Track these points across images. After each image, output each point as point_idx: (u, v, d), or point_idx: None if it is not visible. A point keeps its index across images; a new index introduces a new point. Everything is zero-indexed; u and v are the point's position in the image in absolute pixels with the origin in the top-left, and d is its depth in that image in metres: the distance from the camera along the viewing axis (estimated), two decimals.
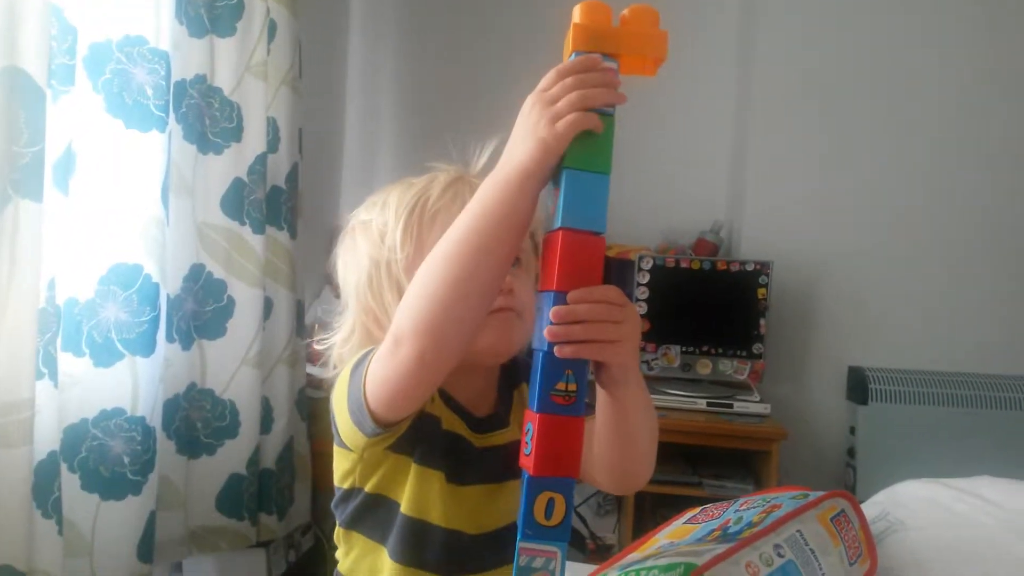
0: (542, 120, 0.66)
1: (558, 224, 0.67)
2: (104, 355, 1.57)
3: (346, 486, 0.88)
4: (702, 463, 2.56)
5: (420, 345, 0.71)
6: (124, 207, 1.59)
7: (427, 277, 0.70)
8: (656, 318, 2.62)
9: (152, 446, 1.67)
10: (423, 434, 0.84)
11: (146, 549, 1.66)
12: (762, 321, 2.58)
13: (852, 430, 2.68)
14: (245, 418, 1.97)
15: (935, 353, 2.70)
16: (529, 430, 0.66)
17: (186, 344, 1.88)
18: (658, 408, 2.50)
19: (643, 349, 2.63)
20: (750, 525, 0.98)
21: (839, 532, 0.98)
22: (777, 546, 0.93)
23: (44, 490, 1.31)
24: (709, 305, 2.64)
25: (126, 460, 1.61)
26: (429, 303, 0.70)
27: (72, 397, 1.52)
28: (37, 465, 1.29)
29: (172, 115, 1.74)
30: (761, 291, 2.58)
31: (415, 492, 0.85)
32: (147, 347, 1.63)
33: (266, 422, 2.06)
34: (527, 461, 0.66)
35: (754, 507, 1.04)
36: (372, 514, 0.88)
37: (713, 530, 1.04)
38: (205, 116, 1.88)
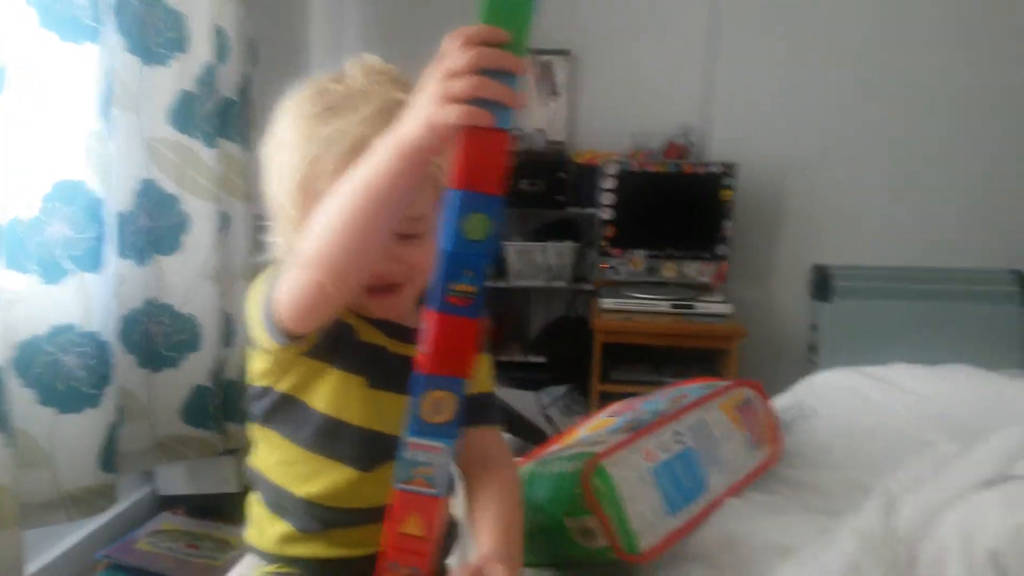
0: (436, 95, 0.63)
1: None
2: (51, 272, 1.57)
3: (262, 384, 0.90)
4: (667, 363, 2.62)
5: (321, 274, 0.74)
6: (62, 122, 1.56)
7: (326, 219, 0.72)
8: (622, 223, 2.62)
9: (108, 360, 1.69)
10: (341, 343, 0.87)
11: (108, 459, 1.71)
12: (726, 223, 2.58)
13: (814, 327, 2.71)
14: (207, 332, 2.00)
15: (899, 250, 2.73)
16: (425, 328, 0.66)
17: (141, 260, 1.89)
18: (623, 312, 2.56)
19: (608, 255, 2.65)
20: (658, 415, 1.01)
21: (743, 419, 1.01)
22: (677, 433, 0.96)
23: None
24: (675, 209, 2.64)
25: (81, 374, 1.63)
26: (327, 243, 0.72)
27: (20, 315, 1.54)
28: None
29: (115, 26, 1.71)
30: (726, 193, 2.57)
31: (335, 395, 0.87)
32: (94, 263, 1.63)
33: (229, 336, 2.09)
34: (420, 359, 0.66)
35: (667, 398, 1.07)
36: (285, 412, 0.90)
37: (628, 422, 1.07)
38: (148, 26, 1.83)
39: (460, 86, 0.62)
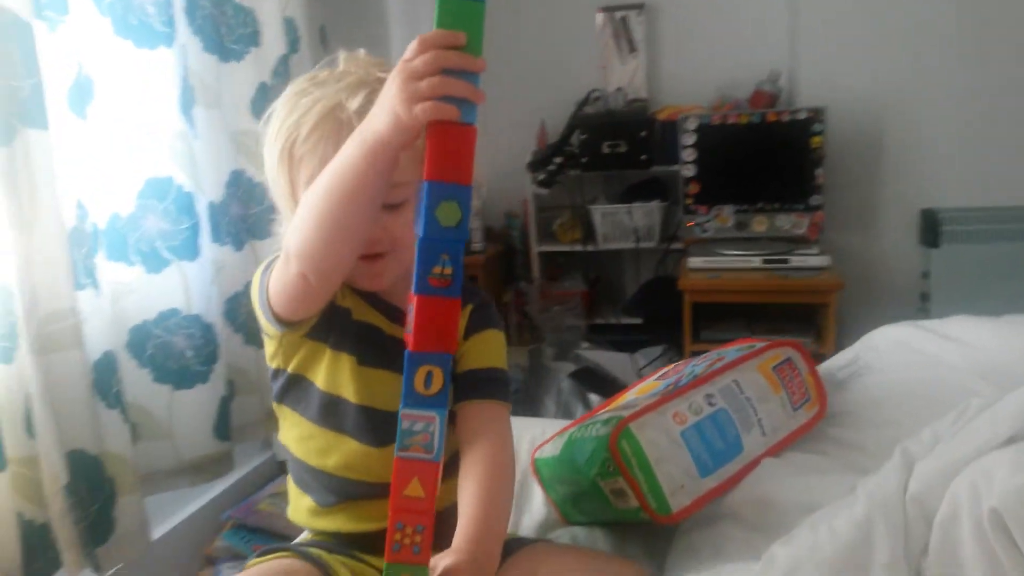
0: (402, 95, 0.67)
1: None
2: (153, 262, 1.72)
3: (273, 366, 0.98)
4: (762, 320, 2.55)
5: (302, 267, 0.79)
6: (147, 124, 1.69)
7: (305, 211, 0.77)
8: (706, 179, 2.56)
9: (213, 339, 1.84)
10: (335, 324, 0.92)
11: (222, 429, 1.86)
12: (818, 171, 2.47)
13: (925, 275, 2.56)
14: None
15: (1009, 187, 2.51)
16: (410, 311, 0.71)
17: (238, 245, 2.02)
18: (712, 270, 2.50)
19: (693, 212, 2.59)
20: (695, 378, 1.01)
21: (781, 380, 0.99)
22: (709, 396, 0.96)
23: (105, 385, 1.49)
24: (762, 160, 2.54)
25: (189, 354, 1.78)
26: (307, 234, 0.77)
27: (130, 303, 1.69)
28: (95, 364, 1.47)
29: (187, 28, 1.82)
30: (816, 140, 2.45)
31: (330, 372, 0.93)
32: (191, 252, 1.77)
33: None
34: (408, 338, 0.71)
35: (706, 361, 1.06)
36: (296, 390, 0.97)
37: (669, 384, 1.07)
38: (220, 25, 1.94)
39: (426, 85, 0.66)
